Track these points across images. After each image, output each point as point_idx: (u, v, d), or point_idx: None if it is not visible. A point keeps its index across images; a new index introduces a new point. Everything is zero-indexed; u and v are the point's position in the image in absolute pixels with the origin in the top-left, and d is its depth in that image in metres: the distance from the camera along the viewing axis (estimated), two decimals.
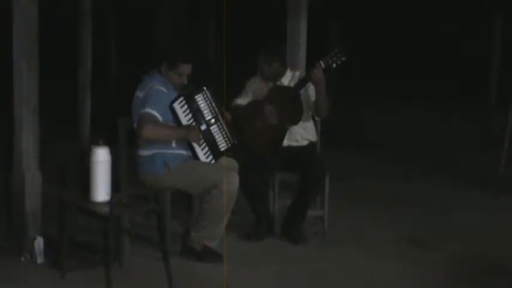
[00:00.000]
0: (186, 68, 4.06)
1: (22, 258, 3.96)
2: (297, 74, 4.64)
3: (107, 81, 10.02)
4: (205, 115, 4.15)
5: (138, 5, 10.83)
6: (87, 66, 7.00)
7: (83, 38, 6.99)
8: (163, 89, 4.01)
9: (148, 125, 3.88)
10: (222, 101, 4.38)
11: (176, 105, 4.04)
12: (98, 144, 3.56)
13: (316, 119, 4.67)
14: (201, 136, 4.09)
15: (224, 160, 4.21)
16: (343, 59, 4.33)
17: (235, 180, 4.03)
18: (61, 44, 9.76)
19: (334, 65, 4.34)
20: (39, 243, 3.94)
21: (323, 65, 4.30)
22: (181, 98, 4.07)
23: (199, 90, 4.14)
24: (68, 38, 8.50)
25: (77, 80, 7.09)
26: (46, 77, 4.74)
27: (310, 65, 4.62)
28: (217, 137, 4.18)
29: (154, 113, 3.91)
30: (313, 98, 4.44)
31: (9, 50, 4.12)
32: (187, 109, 4.08)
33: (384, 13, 12.60)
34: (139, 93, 4.04)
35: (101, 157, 3.54)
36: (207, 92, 4.16)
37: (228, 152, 4.24)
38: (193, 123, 4.09)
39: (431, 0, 12.00)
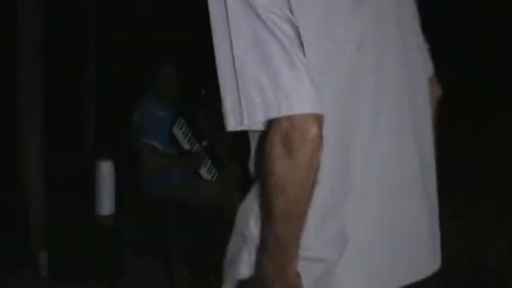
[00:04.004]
0: (167, 73, 4.02)
1: (26, 272, 3.93)
2: None
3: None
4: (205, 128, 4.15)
5: None
6: (92, 74, 6.99)
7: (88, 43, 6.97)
8: (161, 113, 3.95)
9: (149, 157, 3.86)
10: None
11: (175, 130, 4.02)
12: (102, 157, 3.54)
13: None
14: (204, 157, 4.08)
15: (228, 169, 4.18)
16: None
17: (234, 198, 3.97)
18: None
19: None
20: (43, 256, 3.94)
21: None
22: (179, 120, 4.04)
23: (193, 109, 4.15)
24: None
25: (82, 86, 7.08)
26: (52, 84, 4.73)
27: None
28: (219, 146, 4.16)
29: (155, 143, 3.88)
30: None
31: (13, 54, 4.11)
32: (186, 128, 4.06)
33: None
34: (136, 117, 3.98)
35: (105, 170, 3.51)
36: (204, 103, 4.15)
37: (231, 161, 4.22)
38: (195, 143, 4.08)
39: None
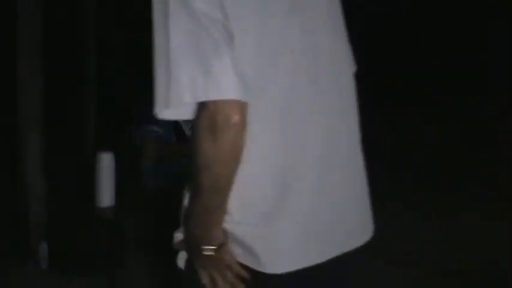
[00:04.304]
0: None
1: (26, 264, 3.94)
2: None
3: None
4: None
5: None
6: (92, 74, 6.98)
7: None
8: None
9: (152, 145, 3.83)
10: None
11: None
12: (102, 149, 3.55)
13: None
14: None
15: None
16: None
17: None
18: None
19: None
20: (43, 249, 3.92)
21: None
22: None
23: None
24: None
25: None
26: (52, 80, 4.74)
27: None
28: None
29: (158, 130, 3.85)
30: None
31: (13, 54, 4.11)
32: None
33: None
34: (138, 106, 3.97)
35: (106, 162, 3.52)
36: None
37: None
38: None
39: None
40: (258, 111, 1.38)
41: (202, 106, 1.33)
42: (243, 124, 1.33)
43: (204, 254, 1.45)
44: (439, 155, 7.85)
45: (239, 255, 1.45)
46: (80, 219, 3.79)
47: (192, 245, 1.49)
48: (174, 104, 1.35)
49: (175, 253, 1.70)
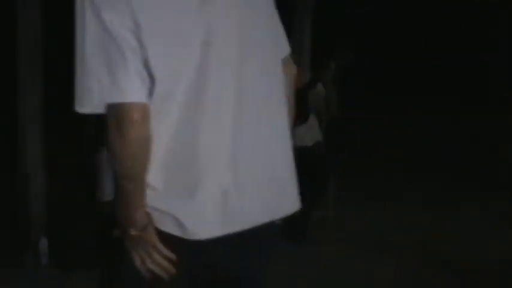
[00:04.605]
0: None
1: (26, 259, 3.97)
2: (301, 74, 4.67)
3: None
4: None
5: None
6: None
7: None
8: None
9: None
10: None
11: None
12: (102, 145, 3.57)
13: (326, 117, 4.71)
14: None
15: None
16: (353, 61, 4.37)
17: None
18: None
19: (344, 66, 4.38)
20: (43, 244, 3.95)
21: (333, 66, 4.35)
22: None
23: None
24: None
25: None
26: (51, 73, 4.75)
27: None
28: None
29: None
30: (322, 95, 4.47)
31: (13, 49, 4.13)
32: None
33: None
34: None
35: (106, 157, 3.54)
36: None
37: None
38: None
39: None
40: (173, 96, 1.56)
41: (109, 106, 1.53)
42: (143, 122, 1.52)
43: (130, 235, 1.62)
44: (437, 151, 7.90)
45: (166, 225, 1.61)
46: (80, 215, 3.81)
47: (121, 228, 1.66)
48: (87, 101, 1.54)
49: None
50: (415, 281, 3.94)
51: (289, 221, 4.95)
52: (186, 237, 1.60)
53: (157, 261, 1.62)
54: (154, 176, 1.60)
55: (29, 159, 4.12)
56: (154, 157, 1.58)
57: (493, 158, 7.45)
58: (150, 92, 1.54)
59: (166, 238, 1.62)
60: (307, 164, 4.50)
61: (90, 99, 1.54)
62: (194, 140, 1.59)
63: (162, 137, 1.58)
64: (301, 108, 4.55)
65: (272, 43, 1.72)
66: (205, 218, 1.60)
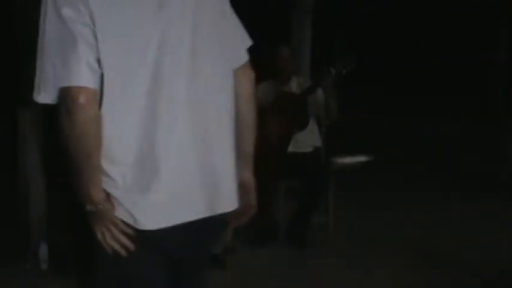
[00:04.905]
0: None
1: (26, 264, 3.95)
2: (301, 80, 4.64)
3: None
4: None
5: None
6: None
7: None
8: None
9: None
10: None
11: None
12: None
13: (326, 123, 4.69)
14: None
15: None
16: (353, 66, 4.34)
17: None
18: None
19: (345, 72, 4.34)
20: (43, 249, 3.94)
21: (333, 72, 4.31)
22: None
23: None
24: None
25: None
26: None
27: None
28: None
29: None
30: (322, 101, 4.45)
31: (13, 49, 4.11)
32: None
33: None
34: None
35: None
36: None
37: None
38: None
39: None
40: (129, 97, 1.69)
41: (60, 90, 1.66)
42: (90, 104, 1.64)
43: (88, 211, 1.74)
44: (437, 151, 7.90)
45: (121, 214, 1.73)
46: (80, 220, 3.79)
47: (81, 204, 1.76)
48: (43, 89, 1.68)
49: None
50: (415, 283, 3.93)
51: (290, 227, 4.94)
52: (136, 227, 1.73)
53: (116, 237, 1.74)
54: (112, 169, 1.72)
55: (29, 165, 4.10)
56: (115, 153, 1.71)
57: (493, 158, 7.45)
58: (101, 90, 1.67)
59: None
60: (307, 169, 4.50)
61: (45, 87, 1.67)
62: (149, 140, 1.71)
63: (120, 135, 1.71)
64: (301, 114, 4.56)
65: (223, 54, 1.85)
66: (155, 210, 1.73)
